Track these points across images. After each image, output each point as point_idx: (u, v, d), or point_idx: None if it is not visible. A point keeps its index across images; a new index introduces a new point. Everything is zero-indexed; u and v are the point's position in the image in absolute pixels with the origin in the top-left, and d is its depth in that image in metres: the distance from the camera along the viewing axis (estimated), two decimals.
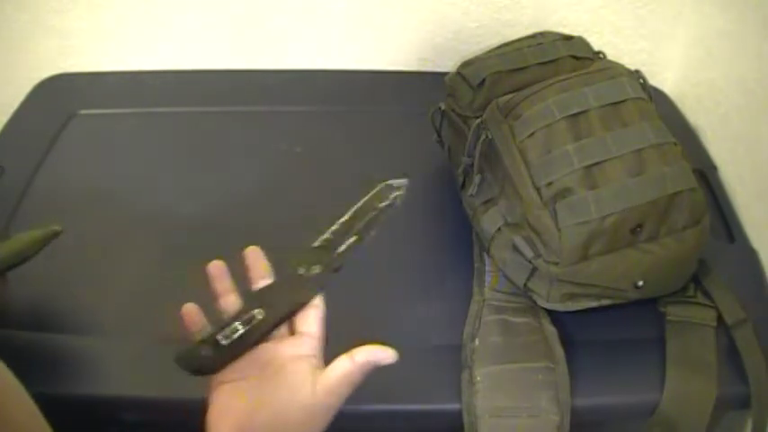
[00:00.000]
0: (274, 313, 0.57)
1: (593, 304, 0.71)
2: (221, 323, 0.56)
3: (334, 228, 0.61)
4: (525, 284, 0.72)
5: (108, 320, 0.74)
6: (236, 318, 0.56)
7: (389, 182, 0.63)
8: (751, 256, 0.81)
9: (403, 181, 0.63)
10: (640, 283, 0.69)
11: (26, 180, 0.88)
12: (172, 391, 0.68)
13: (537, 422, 0.64)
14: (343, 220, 0.61)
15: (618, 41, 1.04)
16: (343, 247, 0.60)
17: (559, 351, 0.68)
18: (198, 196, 0.87)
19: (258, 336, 0.56)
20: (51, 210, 0.85)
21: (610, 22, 1.03)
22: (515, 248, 0.71)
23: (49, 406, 0.47)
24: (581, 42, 0.83)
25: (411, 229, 0.81)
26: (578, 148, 0.68)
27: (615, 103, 0.71)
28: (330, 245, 0.60)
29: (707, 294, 0.74)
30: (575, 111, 0.70)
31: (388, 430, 0.73)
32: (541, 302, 0.72)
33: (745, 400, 0.67)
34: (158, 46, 1.06)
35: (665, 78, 1.05)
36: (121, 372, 0.70)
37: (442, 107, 0.85)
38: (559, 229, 0.67)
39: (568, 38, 0.83)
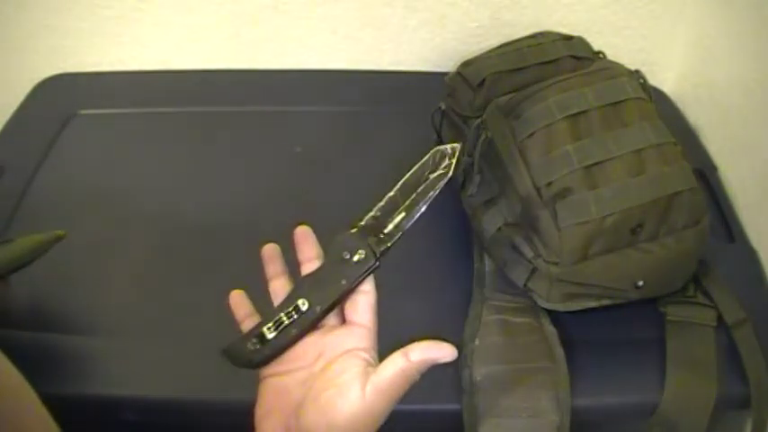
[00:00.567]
0: (320, 303, 0.53)
1: (593, 304, 0.71)
2: (268, 314, 0.54)
3: (380, 204, 0.56)
4: (525, 284, 0.72)
5: (108, 320, 0.74)
6: (281, 308, 0.54)
7: (440, 147, 0.57)
8: (751, 256, 0.81)
9: (455, 146, 0.56)
10: (640, 283, 0.69)
11: (26, 180, 0.88)
12: (172, 391, 0.68)
13: (537, 422, 0.64)
14: (390, 194, 0.56)
15: (618, 41, 1.03)
16: (390, 227, 0.55)
17: (559, 351, 0.68)
18: (198, 196, 0.87)
19: (305, 327, 0.53)
20: (51, 210, 0.85)
21: (610, 22, 1.03)
22: (515, 248, 0.71)
23: (50, 406, 0.47)
24: (581, 42, 0.83)
25: (411, 229, 0.81)
26: (578, 148, 0.68)
27: (615, 103, 0.71)
28: (377, 224, 0.55)
29: (707, 294, 0.74)
30: (575, 111, 0.70)
31: (388, 430, 0.73)
32: (541, 302, 0.72)
33: (745, 400, 0.67)
34: (158, 46, 1.06)
35: (665, 78, 1.05)
36: (121, 372, 0.70)
37: (442, 107, 0.85)
38: (559, 229, 0.67)
39: (568, 38, 0.83)
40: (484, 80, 0.78)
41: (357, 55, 1.07)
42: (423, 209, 0.55)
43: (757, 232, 0.83)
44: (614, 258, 0.68)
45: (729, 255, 0.81)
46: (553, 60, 0.79)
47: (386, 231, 0.55)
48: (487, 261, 0.77)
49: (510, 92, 0.75)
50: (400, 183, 0.56)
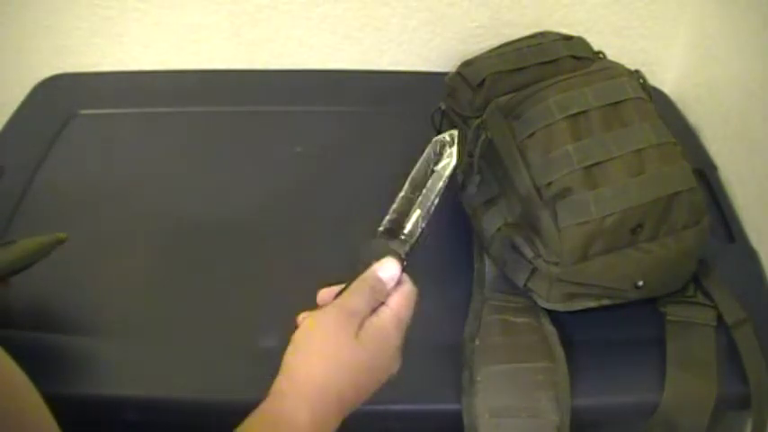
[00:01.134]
0: None
1: (593, 304, 0.71)
2: None
3: (394, 206, 0.56)
4: (525, 284, 0.72)
5: (108, 320, 0.74)
6: None
7: (437, 137, 0.57)
8: (751, 256, 0.81)
9: (453, 132, 0.57)
10: (640, 283, 0.69)
11: (26, 180, 0.88)
12: (172, 391, 0.68)
13: (537, 422, 0.64)
14: (401, 194, 0.56)
15: (618, 41, 1.03)
16: (409, 226, 0.56)
17: (559, 351, 0.68)
18: (198, 196, 0.87)
19: None
20: (51, 210, 0.85)
21: (610, 22, 1.03)
22: (515, 248, 0.71)
23: (50, 406, 0.47)
24: (581, 42, 0.83)
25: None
26: (578, 148, 0.68)
27: (615, 103, 0.71)
28: (396, 225, 0.56)
29: (707, 294, 0.74)
30: (575, 111, 0.70)
31: (389, 430, 0.73)
32: (541, 302, 0.72)
33: (745, 400, 0.67)
34: (158, 46, 1.06)
35: (665, 78, 1.05)
36: (121, 372, 0.70)
37: (442, 107, 0.85)
38: (559, 229, 0.67)
39: (568, 38, 0.83)
40: (484, 80, 0.78)
41: (357, 55, 1.07)
42: (436, 201, 0.56)
43: (757, 232, 0.83)
44: (614, 258, 0.68)
45: (729, 255, 0.81)
46: (553, 60, 0.79)
47: (405, 231, 0.56)
48: (487, 261, 0.77)
49: (510, 92, 0.75)
50: (408, 180, 0.56)
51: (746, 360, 0.68)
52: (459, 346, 0.70)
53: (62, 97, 1.03)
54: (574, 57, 0.80)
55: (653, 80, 0.81)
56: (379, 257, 0.54)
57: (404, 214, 0.56)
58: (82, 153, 0.94)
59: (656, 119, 0.72)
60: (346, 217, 0.82)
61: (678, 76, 1.05)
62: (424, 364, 0.67)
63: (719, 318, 0.72)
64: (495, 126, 0.73)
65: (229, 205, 0.86)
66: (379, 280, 0.54)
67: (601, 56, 0.82)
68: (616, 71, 0.74)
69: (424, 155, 0.57)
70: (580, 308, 0.71)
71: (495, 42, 0.85)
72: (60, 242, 0.71)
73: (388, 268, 0.54)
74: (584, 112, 0.70)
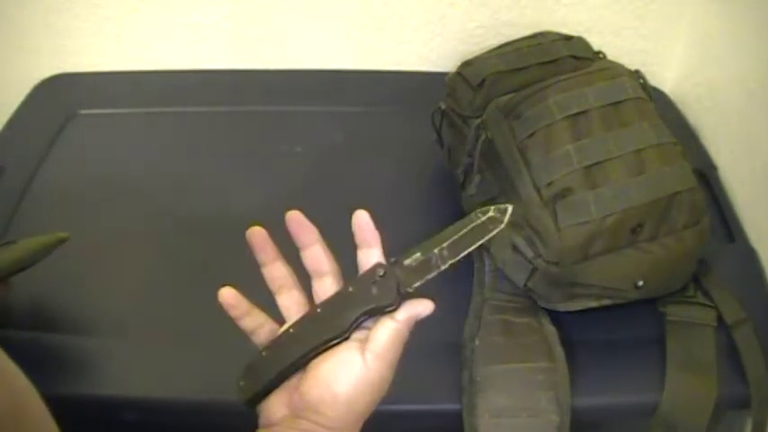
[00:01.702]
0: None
1: (593, 304, 0.71)
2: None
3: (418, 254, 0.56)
4: (525, 284, 0.72)
5: (108, 320, 0.74)
6: None
7: (491, 214, 0.54)
8: (751, 256, 0.81)
9: (506, 207, 0.54)
10: (640, 283, 0.69)
11: (26, 180, 0.88)
12: (172, 391, 0.68)
13: (537, 422, 0.64)
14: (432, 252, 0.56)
15: (618, 41, 1.03)
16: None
17: (559, 351, 0.68)
18: (198, 196, 0.87)
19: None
20: (51, 210, 0.85)
21: (610, 22, 1.03)
22: (515, 248, 0.71)
23: (50, 406, 0.47)
24: (581, 42, 0.83)
25: (411, 230, 0.81)
26: (578, 148, 0.68)
27: (615, 103, 0.71)
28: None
29: (707, 294, 0.74)
30: (575, 111, 0.70)
31: (389, 430, 0.73)
32: (541, 302, 0.72)
33: (745, 400, 0.67)
34: (158, 46, 1.06)
35: (665, 78, 1.05)
36: (121, 372, 0.70)
37: (442, 107, 0.85)
38: (559, 229, 0.67)
39: (568, 38, 0.83)
40: (484, 80, 0.78)
41: (357, 55, 1.07)
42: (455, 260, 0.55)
43: (757, 232, 0.83)
44: (614, 258, 0.68)
45: (729, 255, 0.81)
46: (553, 60, 0.79)
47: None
48: (487, 261, 0.77)
49: (510, 92, 0.75)
50: (443, 239, 0.55)
51: (746, 360, 0.68)
52: (460, 346, 0.70)
53: (62, 97, 1.03)
54: (574, 57, 0.80)
55: (653, 80, 0.81)
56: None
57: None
58: (82, 153, 0.94)
59: (656, 119, 0.72)
60: (346, 217, 0.82)
61: (678, 76, 1.05)
62: (424, 364, 0.67)
63: (719, 318, 0.72)
64: (496, 126, 0.73)
65: (229, 205, 0.86)
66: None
67: (601, 56, 0.82)
68: (616, 71, 0.74)
69: (470, 223, 0.55)
70: (580, 308, 0.71)
71: (495, 42, 0.85)
72: (61, 242, 0.71)
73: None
74: (584, 112, 0.70)
